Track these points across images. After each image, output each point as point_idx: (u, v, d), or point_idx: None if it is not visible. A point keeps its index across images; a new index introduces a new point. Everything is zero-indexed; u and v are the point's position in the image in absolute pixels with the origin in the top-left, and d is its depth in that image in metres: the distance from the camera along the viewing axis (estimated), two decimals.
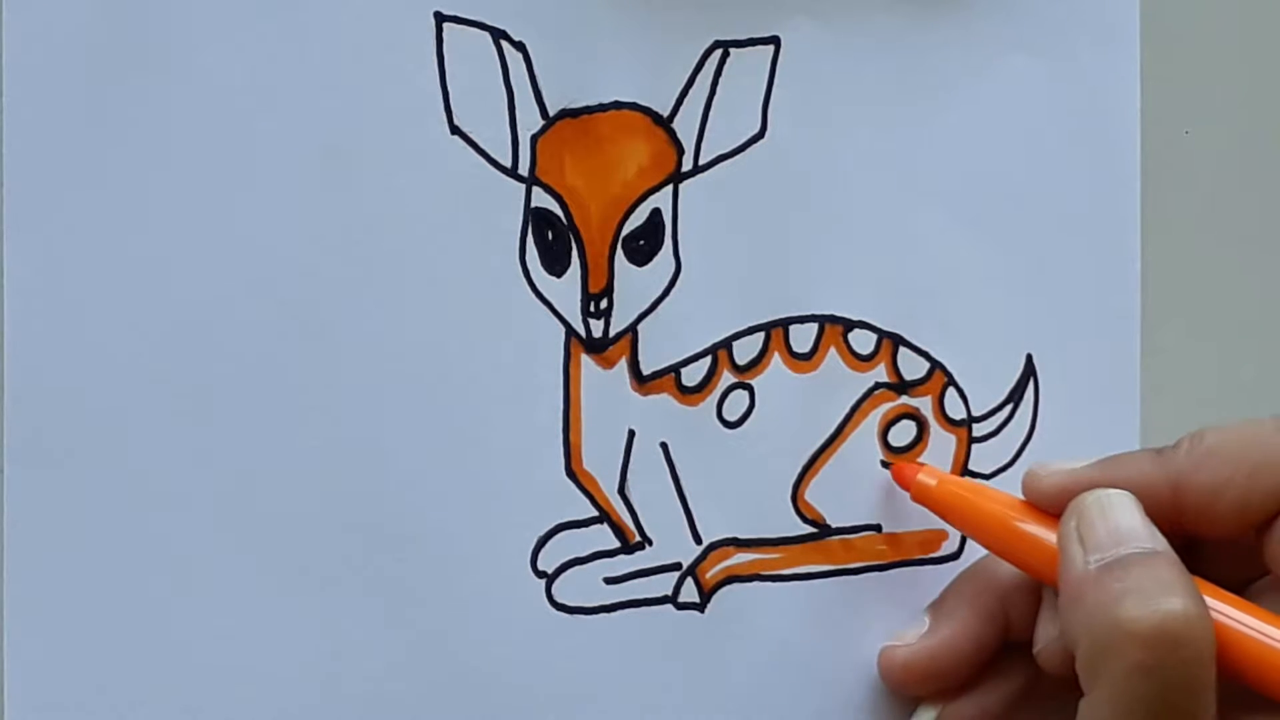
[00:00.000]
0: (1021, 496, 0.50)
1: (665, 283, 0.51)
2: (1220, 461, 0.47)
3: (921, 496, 0.52)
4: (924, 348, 0.53)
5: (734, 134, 0.51)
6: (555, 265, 0.50)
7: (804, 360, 0.52)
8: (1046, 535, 0.48)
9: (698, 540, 0.51)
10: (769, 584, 0.52)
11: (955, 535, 0.53)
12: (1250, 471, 0.47)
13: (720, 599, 0.51)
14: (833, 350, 0.52)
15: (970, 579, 0.52)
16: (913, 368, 0.53)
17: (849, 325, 0.52)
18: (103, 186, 0.46)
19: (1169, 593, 0.44)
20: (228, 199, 0.47)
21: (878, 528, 0.53)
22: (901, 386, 0.53)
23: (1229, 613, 0.46)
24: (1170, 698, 0.43)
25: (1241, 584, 0.48)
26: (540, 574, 0.50)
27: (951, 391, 0.53)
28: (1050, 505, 0.49)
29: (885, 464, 0.53)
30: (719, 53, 0.50)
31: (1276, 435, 0.47)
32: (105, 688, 0.46)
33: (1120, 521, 0.47)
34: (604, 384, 0.50)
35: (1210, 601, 0.45)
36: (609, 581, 0.50)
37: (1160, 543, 0.46)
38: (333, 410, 0.48)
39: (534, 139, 0.49)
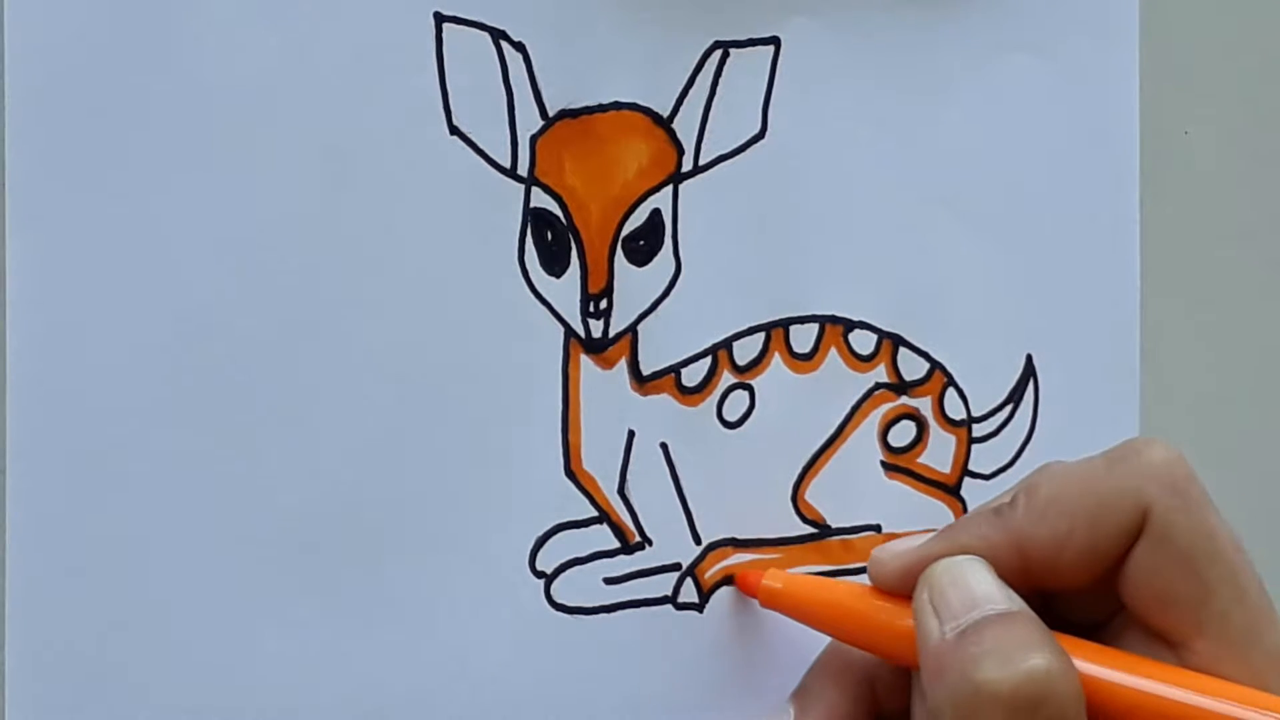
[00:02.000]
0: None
1: (665, 283, 0.51)
2: (1058, 514, 0.45)
3: (770, 600, 0.50)
4: (924, 348, 0.53)
5: (734, 134, 0.51)
6: (554, 266, 0.49)
7: (804, 360, 0.52)
8: (903, 619, 0.46)
9: (697, 540, 0.51)
10: None
11: None
12: (1090, 521, 0.45)
13: (720, 599, 0.51)
14: (833, 350, 0.52)
15: (830, 660, 0.50)
16: (913, 368, 0.53)
17: (849, 325, 0.52)
18: (104, 186, 0.46)
19: (1028, 650, 0.42)
20: (228, 198, 0.47)
21: (877, 528, 0.53)
22: (901, 387, 0.53)
23: (1094, 666, 0.43)
24: None
25: (1102, 621, 0.46)
26: (539, 574, 0.50)
27: (951, 392, 0.53)
28: (899, 588, 0.47)
29: (885, 464, 0.53)
30: (719, 53, 0.50)
31: (1110, 475, 0.45)
32: (105, 688, 0.46)
33: (973, 586, 0.44)
34: (603, 384, 0.50)
35: (1075, 658, 0.43)
36: (608, 582, 0.50)
37: (1016, 602, 0.44)
38: (332, 410, 0.48)
39: (533, 139, 0.49)
